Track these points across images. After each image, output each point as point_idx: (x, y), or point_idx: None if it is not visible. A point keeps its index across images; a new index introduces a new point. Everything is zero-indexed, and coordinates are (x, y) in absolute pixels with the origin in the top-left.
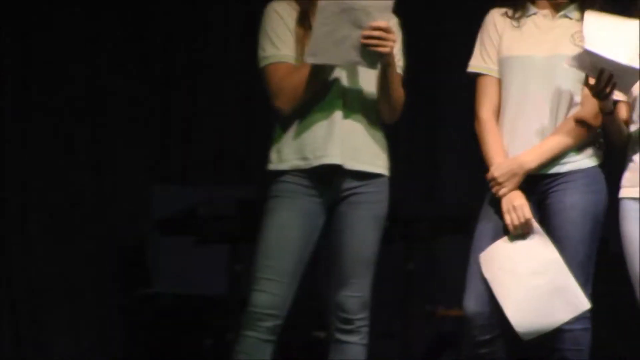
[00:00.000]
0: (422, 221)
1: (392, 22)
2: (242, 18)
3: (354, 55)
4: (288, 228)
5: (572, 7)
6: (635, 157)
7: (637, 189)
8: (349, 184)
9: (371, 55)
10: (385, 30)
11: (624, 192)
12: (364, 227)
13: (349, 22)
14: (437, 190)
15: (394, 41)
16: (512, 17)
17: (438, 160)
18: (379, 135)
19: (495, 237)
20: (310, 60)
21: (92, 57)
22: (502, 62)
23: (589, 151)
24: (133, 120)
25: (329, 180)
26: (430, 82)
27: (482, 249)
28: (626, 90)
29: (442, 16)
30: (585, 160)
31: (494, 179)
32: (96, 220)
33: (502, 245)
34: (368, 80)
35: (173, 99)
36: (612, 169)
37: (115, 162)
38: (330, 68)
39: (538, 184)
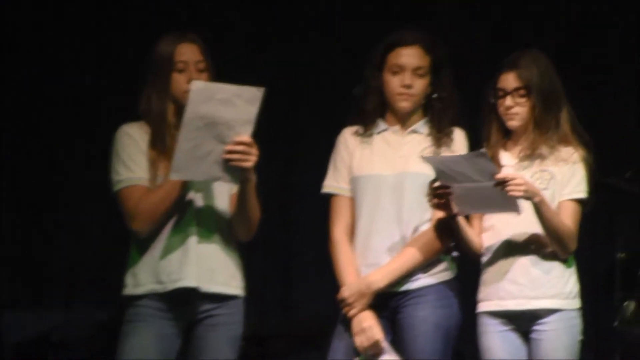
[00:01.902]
0: (279, 338)
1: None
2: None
3: (217, 171)
4: (144, 353)
5: (421, 122)
6: (488, 270)
7: (492, 302)
8: (204, 306)
9: (233, 170)
10: (248, 144)
11: (479, 307)
12: (220, 349)
13: (212, 136)
14: (292, 307)
15: (256, 155)
16: (362, 135)
17: (293, 278)
18: (234, 255)
19: (347, 356)
20: (174, 176)
21: None
22: (353, 182)
23: (440, 266)
24: None
25: (185, 303)
26: (284, 199)
27: None
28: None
29: (299, 134)
30: (435, 276)
31: (343, 299)
32: None
33: None
34: (222, 199)
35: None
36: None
37: None
38: (187, 186)
39: (390, 300)
